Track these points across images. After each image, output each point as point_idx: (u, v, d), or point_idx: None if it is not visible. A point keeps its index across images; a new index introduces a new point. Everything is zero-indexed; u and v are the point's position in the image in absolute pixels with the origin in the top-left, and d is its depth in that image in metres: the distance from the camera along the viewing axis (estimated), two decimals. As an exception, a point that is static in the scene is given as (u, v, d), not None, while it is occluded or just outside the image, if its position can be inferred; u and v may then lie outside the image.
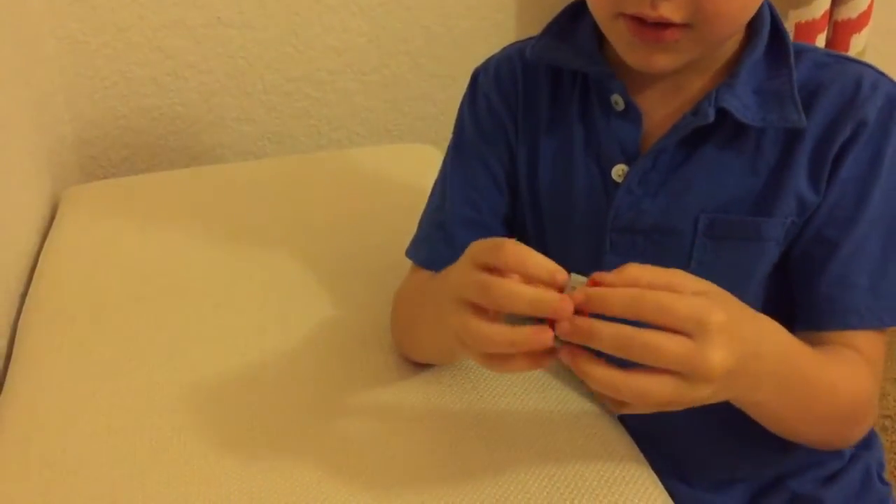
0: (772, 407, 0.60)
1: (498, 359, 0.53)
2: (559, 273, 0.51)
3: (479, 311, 0.53)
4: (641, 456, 0.67)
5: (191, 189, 1.11)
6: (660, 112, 0.69)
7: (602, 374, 0.49)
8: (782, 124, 0.65)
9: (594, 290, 0.50)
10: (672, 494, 0.65)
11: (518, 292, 0.51)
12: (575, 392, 0.73)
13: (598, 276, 0.51)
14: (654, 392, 0.49)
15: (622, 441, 0.69)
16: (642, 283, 0.50)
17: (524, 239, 0.62)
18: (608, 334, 0.49)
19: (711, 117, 0.65)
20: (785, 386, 0.58)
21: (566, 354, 0.51)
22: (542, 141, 0.73)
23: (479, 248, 0.55)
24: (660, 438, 0.72)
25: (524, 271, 0.51)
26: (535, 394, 0.72)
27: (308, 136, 1.47)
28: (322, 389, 0.73)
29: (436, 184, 0.80)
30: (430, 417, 0.70)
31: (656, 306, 0.49)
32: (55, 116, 1.30)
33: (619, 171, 0.69)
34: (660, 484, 0.65)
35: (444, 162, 0.79)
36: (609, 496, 0.62)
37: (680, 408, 0.51)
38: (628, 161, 0.68)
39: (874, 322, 0.65)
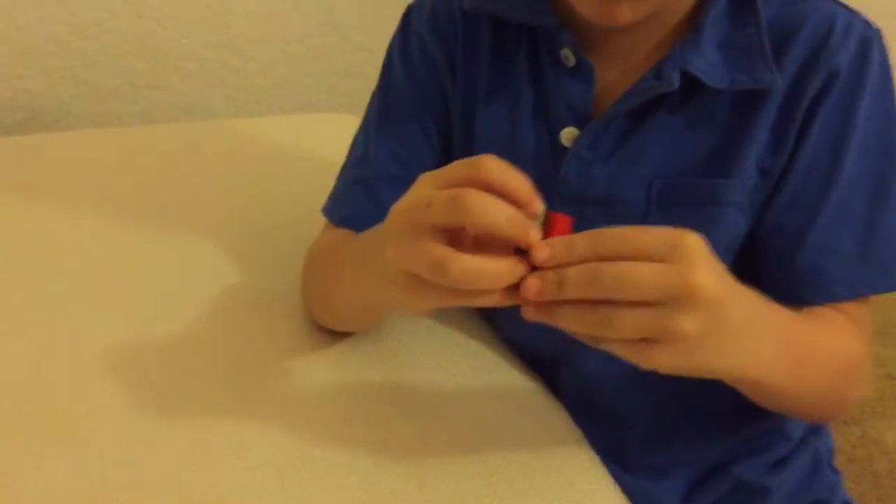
0: (769, 374, 0.53)
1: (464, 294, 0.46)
2: (536, 202, 0.46)
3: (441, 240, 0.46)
4: (580, 433, 0.63)
5: (88, 153, 1.03)
6: (614, 69, 0.63)
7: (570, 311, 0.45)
8: (753, 85, 0.59)
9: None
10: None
11: (496, 205, 0.44)
12: (507, 364, 0.68)
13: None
14: (628, 315, 0.44)
15: (558, 416, 0.64)
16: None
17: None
18: (574, 276, 0.45)
19: (676, 83, 0.59)
20: (781, 345, 0.52)
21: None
22: (482, 97, 0.67)
23: (450, 168, 0.48)
24: (598, 417, 0.66)
25: (504, 186, 0.45)
26: (464, 364, 0.67)
27: (225, 107, 1.39)
28: (229, 361, 0.68)
29: (357, 134, 0.73)
30: (345, 389, 0.64)
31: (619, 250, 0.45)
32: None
33: (567, 135, 0.63)
34: (599, 460, 0.60)
35: (368, 110, 0.72)
36: (548, 478, 0.58)
37: (662, 350, 0.45)
38: (578, 124, 0.62)
39: (866, 290, 0.61)
